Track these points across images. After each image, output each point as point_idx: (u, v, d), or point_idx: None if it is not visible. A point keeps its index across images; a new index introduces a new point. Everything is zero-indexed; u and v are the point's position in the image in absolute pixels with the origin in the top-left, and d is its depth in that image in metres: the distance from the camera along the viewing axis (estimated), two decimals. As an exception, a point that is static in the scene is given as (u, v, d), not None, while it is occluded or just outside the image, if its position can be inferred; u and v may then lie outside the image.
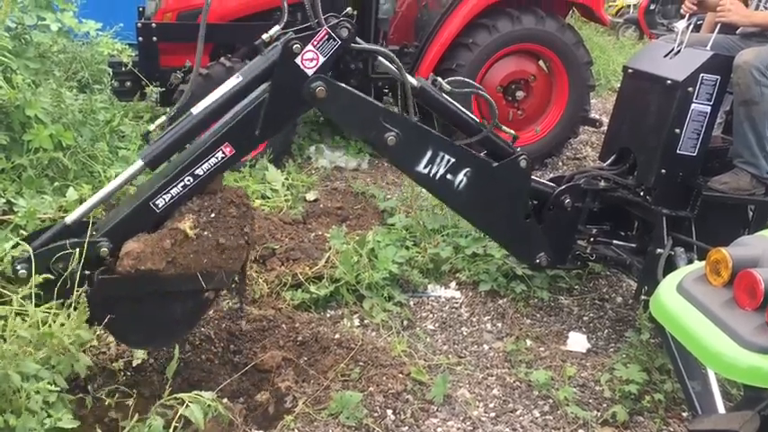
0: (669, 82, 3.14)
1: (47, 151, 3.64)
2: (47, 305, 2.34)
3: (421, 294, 3.82)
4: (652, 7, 12.85)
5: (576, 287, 3.96)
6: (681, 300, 1.92)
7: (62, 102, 4.04)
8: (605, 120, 5.79)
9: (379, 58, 2.84)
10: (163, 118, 2.70)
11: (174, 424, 2.42)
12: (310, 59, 2.62)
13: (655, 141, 3.21)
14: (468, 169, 2.97)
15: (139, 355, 2.75)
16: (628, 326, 3.58)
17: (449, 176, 2.96)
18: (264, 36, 2.75)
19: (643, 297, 3.20)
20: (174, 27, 5.31)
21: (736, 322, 1.74)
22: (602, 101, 8.55)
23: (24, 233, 2.70)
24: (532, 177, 3.30)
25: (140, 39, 5.25)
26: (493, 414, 2.92)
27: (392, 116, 2.82)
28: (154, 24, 5.29)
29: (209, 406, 2.40)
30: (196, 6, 5.25)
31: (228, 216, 2.59)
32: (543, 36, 5.65)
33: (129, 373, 2.74)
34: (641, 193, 3.37)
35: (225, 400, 2.65)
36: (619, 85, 3.76)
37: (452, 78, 3.13)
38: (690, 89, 3.09)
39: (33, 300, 2.30)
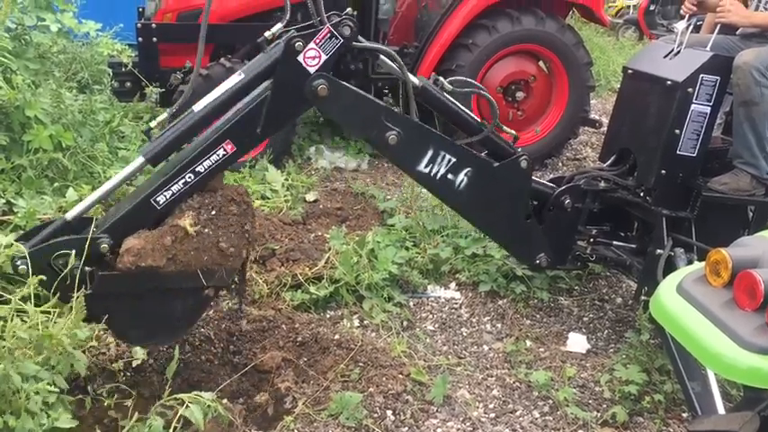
0: (669, 83, 3.14)
1: (46, 152, 3.65)
2: (46, 305, 2.34)
3: (421, 295, 3.82)
4: (652, 8, 12.85)
5: (576, 288, 3.96)
6: (681, 300, 1.92)
7: (62, 102, 4.04)
8: (605, 120, 5.79)
9: (381, 56, 2.84)
10: (164, 115, 2.70)
11: (173, 424, 2.42)
12: (312, 57, 2.62)
13: (655, 142, 3.21)
14: (468, 169, 2.97)
15: (139, 355, 2.75)
16: (628, 326, 3.58)
17: (449, 176, 2.96)
18: (267, 34, 2.75)
19: (643, 298, 3.20)
20: (173, 28, 5.30)
21: (736, 323, 1.74)
22: (602, 101, 8.55)
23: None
24: (532, 178, 3.30)
25: (140, 39, 5.25)
26: (493, 415, 2.92)
27: (394, 115, 2.82)
28: (154, 25, 5.29)
29: (208, 406, 2.40)
30: (196, 7, 5.25)
31: (229, 214, 2.59)
32: (543, 37, 5.66)
33: (128, 374, 2.74)
34: (641, 194, 3.37)
35: (225, 401, 2.64)
36: (618, 86, 3.76)
37: (454, 78, 3.13)
38: (690, 90, 3.09)
39: (32, 300, 2.29)
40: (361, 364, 3.06)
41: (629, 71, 3.45)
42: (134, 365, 2.74)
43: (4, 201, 3.24)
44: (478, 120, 3.14)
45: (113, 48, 5.22)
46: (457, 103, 3.06)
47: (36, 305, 2.30)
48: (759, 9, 3.40)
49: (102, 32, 5.39)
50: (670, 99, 3.14)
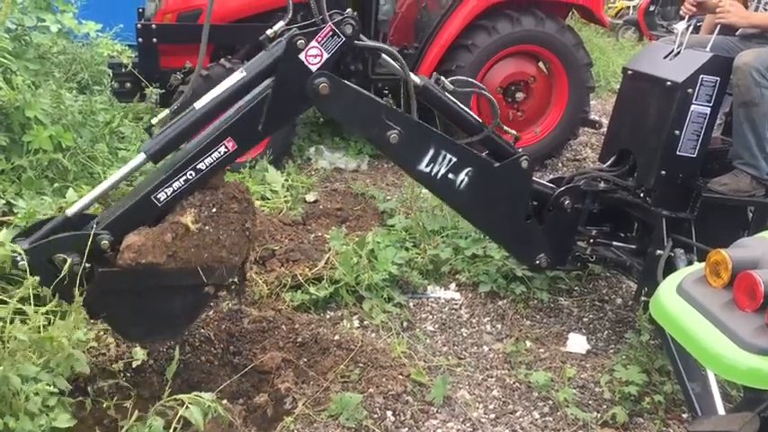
0: (669, 83, 3.14)
1: (46, 152, 3.65)
2: (46, 307, 2.34)
3: (420, 296, 3.82)
4: (652, 9, 12.86)
5: (576, 288, 3.96)
6: (681, 301, 1.92)
7: (62, 103, 4.05)
8: (605, 121, 5.79)
9: (383, 55, 2.84)
10: (165, 112, 2.70)
11: (173, 425, 2.42)
12: (314, 56, 2.62)
13: (654, 143, 3.21)
14: (469, 169, 2.97)
15: (139, 356, 2.75)
16: (627, 327, 3.58)
17: (450, 176, 2.96)
18: (269, 31, 2.75)
19: (643, 298, 3.20)
20: (173, 28, 5.30)
21: (736, 324, 1.74)
22: (602, 102, 8.56)
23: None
24: (533, 178, 3.30)
25: (140, 40, 5.25)
26: (493, 415, 2.92)
27: (395, 114, 2.82)
28: (154, 25, 5.29)
29: (208, 407, 2.40)
30: (196, 7, 5.26)
31: (230, 211, 2.59)
32: (543, 37, 5.66)
33: (128, 375, 2.74)
34: (641, 195, 3.37)
35: (224, 402, 2.64)
36: (618, 87, 3.76)
37: (455, 78, 3.13)
38: (689, 90, 3.09)
39: (32, 301, 2.29)
40: (361, 364, 3.06)
41: (629, 72, 3.45)
42: (134, 366, 2.74)
43: (4, 201, 3.25)
44: (479, 120, 3.14)
45: (113, 48, 5.22)
46: (458, 102, 3.06)
47: (36, 306, 2.31)
48: (759, 10, 3.40)
49: (102, 33, 5.40)
50: (670, 100, 3.14)
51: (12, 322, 2.24)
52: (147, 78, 5.18)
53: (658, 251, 3.16)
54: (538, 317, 3.68)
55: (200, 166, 2.53)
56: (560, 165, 6.23)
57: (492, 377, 3.16)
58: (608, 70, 9.74)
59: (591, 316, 3.72)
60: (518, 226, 3.24)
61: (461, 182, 2.98)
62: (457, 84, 3.04)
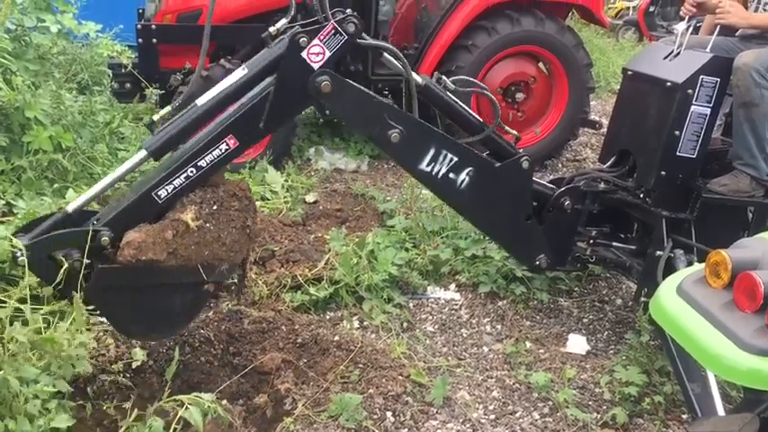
0: (669, 84, 3.14)
1: (46, 153, 3.65)
2: (46, 308, 2.34)
3: (420, 296, 3.82)
4: (651, 9, 12.87)
5: (576, 289, 3.96)
6: (680, 302, 1.92)
7: (62, 103, 4.05)
8: (605, 122, 5.79)
9: (385, 54, 2.84)
10: (167, 109, 2.70)
11: (173, 426, 2.42)
12: (317, 54, 2.62)
13: (654, 143, 3.21)
14: (470, 168, 2.97)
15: (139, 356, 2.75)
16: (627, 328, 3.58)
17: (451, 175, 2.96)
18: (271, 29, 2.75)
19: (643, 299, 3.20)
20: (173, 29, 5.30)
21: (736, 324, 1.74)
22: (602, 103, 8.56)
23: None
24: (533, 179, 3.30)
25: (140, 40, 5.25)
26: (492, 416, 2.92)
27: (396, 113, 2.82)
28: (153, 26, 5.29)
29: (208, 408, 2.40)
30: (196, 8, 5.26)
31: (231, 209, 2.59)
32: (543, 38, 5.66)
33: (128, 375, 2.73)
34: (641, 195, 3.37)
35: (224, 402, 2.64)
36: (618, 87, 3.76)
37: (457, 77, 3.13)
38: (689, 91, 3.08)
39: (32, 302, 2.29)
40: (360, 365, 3.06)
41: (629, 72, 3.45)
42: (134, 367, 2.74)
43: (3, 202, 3.25)
44: (480, 119, 3.14)
45: (113, 49, 5.22)
46: (459, 102, 3.06)
47: (35, 307, 2.30)
48: (758, 10, 3.40)
49: (102, 34, 5.39)
50: (670, 100, 3.13)
51: (12, 324, 2.23)
52: (147, 79, 5.18)
53: (658, 252, 3.16)
54: (538, 317, 3.68)
55: (202, 163, 2.53)
56: (560, 165, 6.23)
57: (492, 378, 3.16)
58: (608, 71, 9.74)
59: (591, 317, 3.72)
60: (518, 226, 3.24)
61: (462, 181, 2.98)
62: (458, 83, 3.04)
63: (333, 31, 2.62)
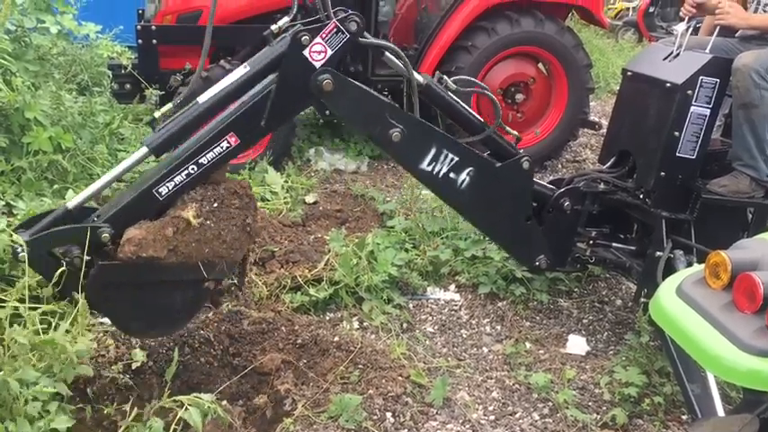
0: (668, 85, 3.14)
1: (46, 154, 3.65)
2: (44, 307, 2.33)
3: (420, 297, 3.82)
4: (651, 10, 12.87)
5: (576, 290, 3.96)
6: (680, 303, 1.92)
7: (61, 104, 4.05)
8: (604, 122, 5.79)
9: (386, 53, 2.84)
10: (168, 105, 2.70)
11: (173, 426, 2.42)
12: (318, 52, 2.62)
13: (654, 144, 3.22)
14: (471, 168, 2.97)
15: (138, 357, 2.75)
16: (627, 328, 3.58)
17: (452, 175, 2.96)
18: (273, 27, 2.75)
19: (642, 300, 3.20)
20: (173, 29, 5.30)
21: (736, 325, 1.74)
22: (602, 103, 8.56)
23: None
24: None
25: (140, 41, 5.25)
26: (492, 417, 2.92)
27: (398, 112, 2.82)
28: (153, 27, 5.29)
29: (208, 408, 2.40)
30: (196, 9, 5.26)
31: (231, 207, 2.59)
32: (542, 39, 5.66)
33: (128, 376, 2.73)
34: (641, 196, 3.37)
35: (224, 403, 2.64)
36: (618, 88, 3.76)
37: (458, 77, 3.13)
38: (689, 92, 3.09)
39: (29, 302, 2.29)
40: (360, 366, 3.06)
41: (629, 73, 3.45)
42: (133, 368, 2.74)
43: (3, 203, 3.25)
44: (482, 120, 3.14)
45: (113, 50, 5.22)
46: (461, 102, 3.07)
47: (34, 306, 2.30)
48: (758, 11, 3.40)
49: (102, 34, 5.40)
50: (669, 101, 3.14)
51: (12, 325, 2.23)
52: (147, 80, 5.18)
53: (658, 252, 3.16)
54: (537, 318, 3.68)
55: (203, 160, 2.53)
56: (560, 166, 6.23)
57: (492, 378, 3.16)
58: (607, 71, 9.74)
59: (590, 317, 3.72)
60: (518, 227, 3.24)
61: (463, 181, 2.98)
62: (459, 83, 3.04)
63: (335, 30, 2.62)
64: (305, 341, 3.19)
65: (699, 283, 1.94)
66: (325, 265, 3.75)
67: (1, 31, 3.77)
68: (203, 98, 2.60)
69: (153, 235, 2.43)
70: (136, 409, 2.47)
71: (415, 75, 2.84)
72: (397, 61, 2.81)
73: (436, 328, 3.56)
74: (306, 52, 2.60)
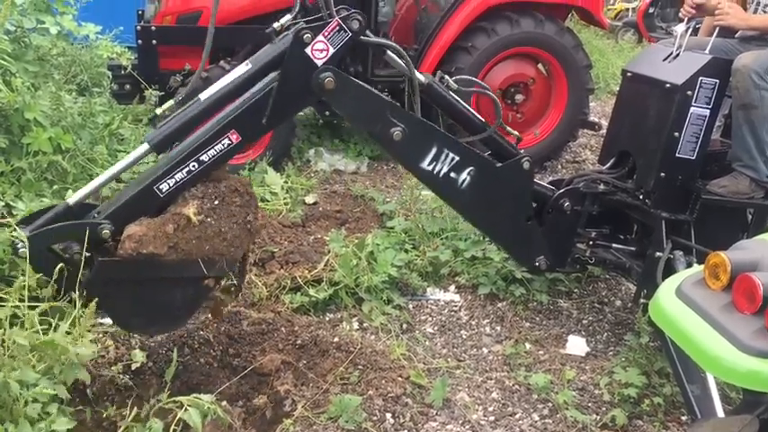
0: (668, 85, 3.14)
1: (46, 154, 3.64)
2: (42, 307, 2.33)
3: (420, 298, 3.82)
4: (651, 11, 12.86)
5: (576, 290, 3.96)
6: (680, 303, 1.92)
7: (61, 105, 4.04)
8: (604, 123, 5.79)
9: (388, 52, 2.84)
10: (170, 102, 2.70)
11: (172, 427, 2.42)
12: (320, 50, 2.62)
13: (654, 145, 3.22)
14: (471, 168, 2.97)
15: (138, 358, 2.74)
16: (627, 329, 3.58)
17: (452, 174, 2.96)
18: (275, 25, 2.76)
19: (642, 300, 3.20)
20: (173, 30, 5.30)
21: (735, 326, 1.74)
22: (602, 104, 8.56)
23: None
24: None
25: (140, 42, 5.25)
26: (492, 418, 2.92)
27: (399, 111, 2.82)
28: (153, 27, 5.29)
29: (207, 409, 2.40)
30: (195, 9, 5.26)
31: (232, 204, 2.59)
32: (542, 39, 5.66)
33: (127, 377, 2.73)
34: (640, 197, 3.37)
35: (224, 404, 2.64)
36: (618, 89, 3.76)
37: (459, 77, 3.13)
38: (689, 93, 3.09)
39: (27, 300, 2.29)
40: (360, 366, 3.06)
41: (629, 74, 3.45)
42: (133, 368, 2.74)
43: (3, 203, 3.24)
44: (482, 119, 3.15)
45: (113, 50, 5.22)
46: (462, 101, 3.07)
47: (33, 305, 2.30)
48: (758, 12, 3.40)
49: (102, 35, 5.39)
50: (669, 102, 3.14)
51: (12, 326, 2.23)
52: (147, 80, 5.17)
53: (658, 253, 3.16)
54: (537, 319, 3.68)
55: (204, 157, 2.53)
56: (560, 167, 6.23)
57: (491, 379, 3.16)
58: (607, 72, 9.74)
59: (590, 318, 3.72)
60: (518, 227, 3.24)
61: (463, 181, 2.98)
62: (460, 83, 3.04)
63: (337, 28, 2.62)
64: (305, 342, 3.19)
65: (698, 283, 1.94)
66: (324, 265, 3.75)
67: (1, 31, 3.77)
68: (205, 95, 2.60)
69: (153, 232, 2.43)
70: (135, 409, 2.47)
71: (417, 74, 2.85)
72: (398, 60, 2.81)
73: (436, 328, 3.56)
74: (308, 50, 2.61)
